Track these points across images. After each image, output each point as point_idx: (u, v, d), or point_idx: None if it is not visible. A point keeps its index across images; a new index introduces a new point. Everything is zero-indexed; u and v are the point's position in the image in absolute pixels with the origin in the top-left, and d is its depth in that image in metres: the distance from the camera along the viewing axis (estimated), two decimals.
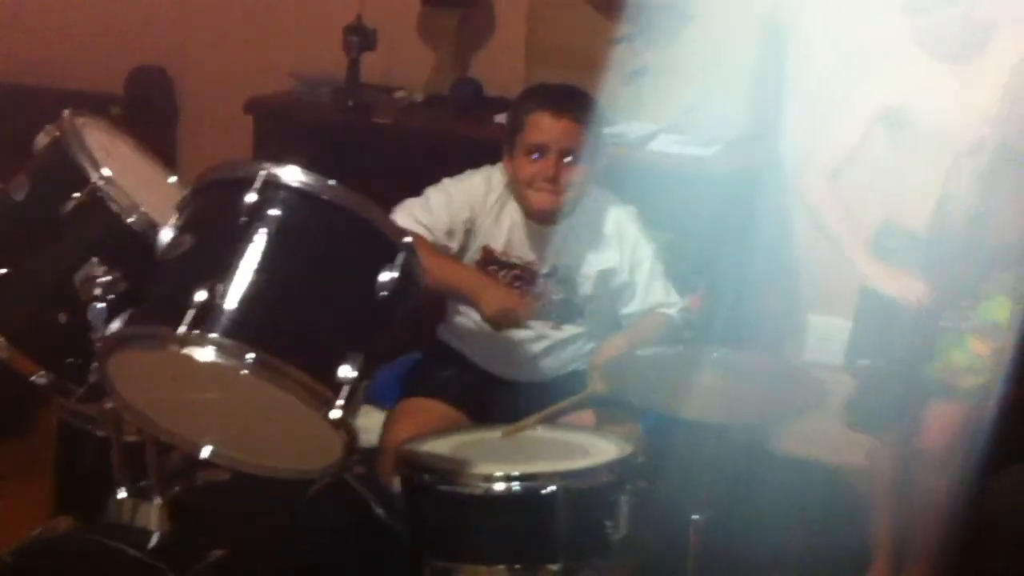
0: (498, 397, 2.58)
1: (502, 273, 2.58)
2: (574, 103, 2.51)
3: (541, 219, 2.55)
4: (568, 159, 2.47)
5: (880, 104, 2.60)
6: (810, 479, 3.33)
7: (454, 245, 2.56)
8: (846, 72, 2.74)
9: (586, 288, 2.61)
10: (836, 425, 2.97)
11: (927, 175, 2.52)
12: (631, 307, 2.63)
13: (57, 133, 2.04)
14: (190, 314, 1.66)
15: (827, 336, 3.22)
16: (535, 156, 2.48)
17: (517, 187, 2.54)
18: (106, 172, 1.96)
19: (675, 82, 3.17)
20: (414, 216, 2.49)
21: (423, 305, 2.41)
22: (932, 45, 2.50)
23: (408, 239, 1.85)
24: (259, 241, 1.74)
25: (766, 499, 3.14)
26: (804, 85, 3.24)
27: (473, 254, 2.59)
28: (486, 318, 2.44)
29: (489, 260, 2.58)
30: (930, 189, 2.49)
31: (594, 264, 2.60)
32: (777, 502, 3.11)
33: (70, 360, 2.00)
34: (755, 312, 3.36)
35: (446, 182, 2.61)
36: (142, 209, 1.96)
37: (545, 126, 2.47)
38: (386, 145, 3.36)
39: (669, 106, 3.19)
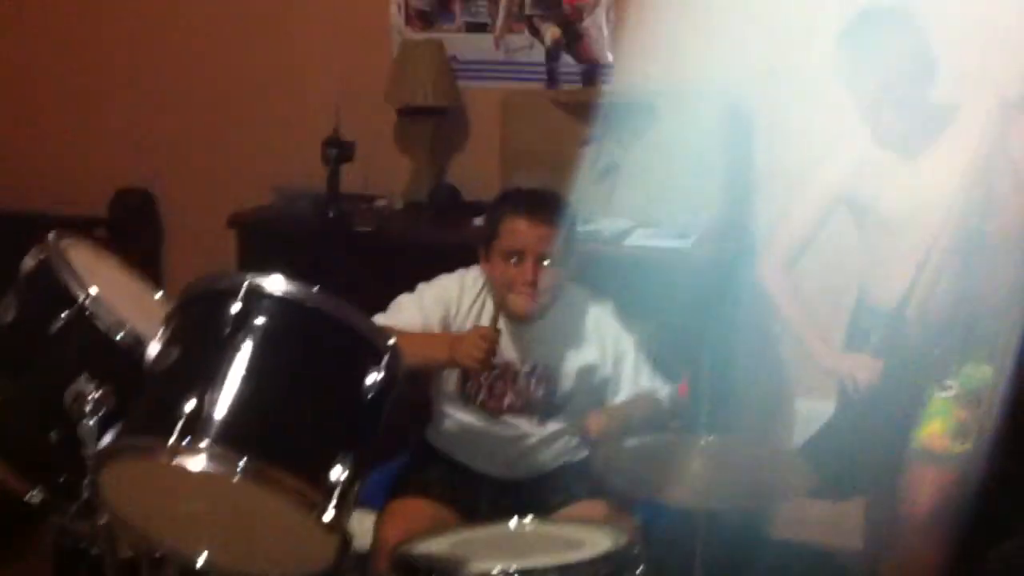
0: (487, 495, 2.59)
1: (483, 374, 2.61)
2: (548, 207, 2.55)
3: (520, 320, 2.59)
4: (545, 262, 2.51)
5: (833, 189, 2.67)
6: (805, 562, 3.32)
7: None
8: (806, 158, 2.81)
9: (567, 385, 2.63)
10: (828, 507, 2.99)
11: (894, 256, 2.58)
12: (619, 397, 2.65)
13: (43, 255, 2.08)
14: (180, 424, 1.69)
15: (814, 419, 3.24)
16: (512, 260, 2.52)
17: (495, 290, 2.59)
18: (93, 291, 2.00)
19: (646, 177, 3.25)
20: (386, 320, 2.53)
21: (409, 409, 2.44)
22: (884, 137, 2.56)
23: (392, 341, 1.88)
24: (245, 350, 1.77)
25: None
26: (770, 171, 3.32)
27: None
28: (463, 366, 2.48)
29: None
30: (900, 269, 2.55)
31: (574, 361, 2.63)
32: None
33: (63, 478, 2.01)
34: (742, 398, 3.39)
35: (420, 287, 2.65)
36: (129, 325, 1.99)
37: (521, 232, 2.52)
38: (368, 252, 3.41)
39: (642, 201, 3.26)
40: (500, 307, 2.55)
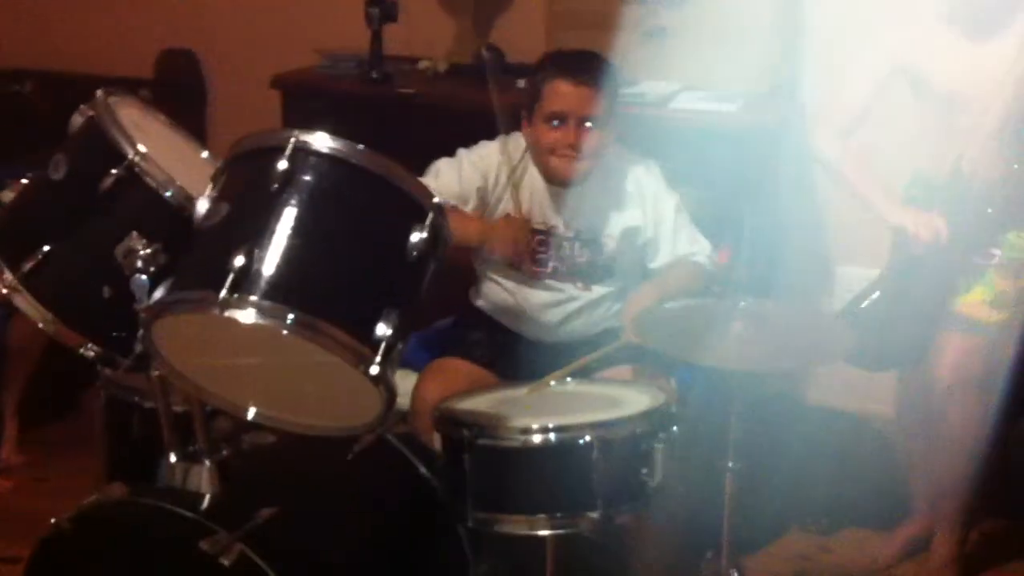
0: (529, 358, 2.62)
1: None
2: (591, 69, 2.53)
3: (562, 184, 2.59)
4: (587, 125, 2.50)
5: (894, 59, 2.62)
6: (842, 428, 3.37)
7: (466, 210, 2.61)
8: (860, 28, 2.76)
9: (611, 248, 2.64)
10: (863, 375, 3.01)
11: (946, 131, 2.56)
12: (658, 260, 2.65)
13: (91, 113, 2.09)
14: (230, 278, 1.72)
15: (854, 287, 3.25)
16: (554, 123, 2.51)
17: (537, 153, 2.58)
18: (141, 148, 2.01)
19: (694, 40, 3.20)
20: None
21: (453, 272, 2.48)
22: (954, 12, 2.51)
23: (436, 200, 1.90)
24: (293, 206, 1.79)
25: (799, 449, 3.18)
26: (820, 40, 3.25)
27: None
28: (496, 253, 2.52)
29: None
30: (955, 143, 2.52)
31: (617, 223, 2.63)
32: (810, 451, 3.16)
33: (116, 333, 2.06)
34: (783, 265, 3.39)
35: (460, 152, 2.66)
36: (177, 183, 2.01)
37: (564, 94, 2.50)
38: (410, 115, 3.41)
39: (689, 64, 3.22)
40: (541, 171, 2.56)
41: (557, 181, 2.58)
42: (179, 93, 3.90)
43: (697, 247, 2.66)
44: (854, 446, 3.27)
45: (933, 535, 2.81)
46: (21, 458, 3.36)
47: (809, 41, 3.29)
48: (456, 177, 2.59)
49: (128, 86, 3.39)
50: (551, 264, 2.63)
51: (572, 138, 2.50)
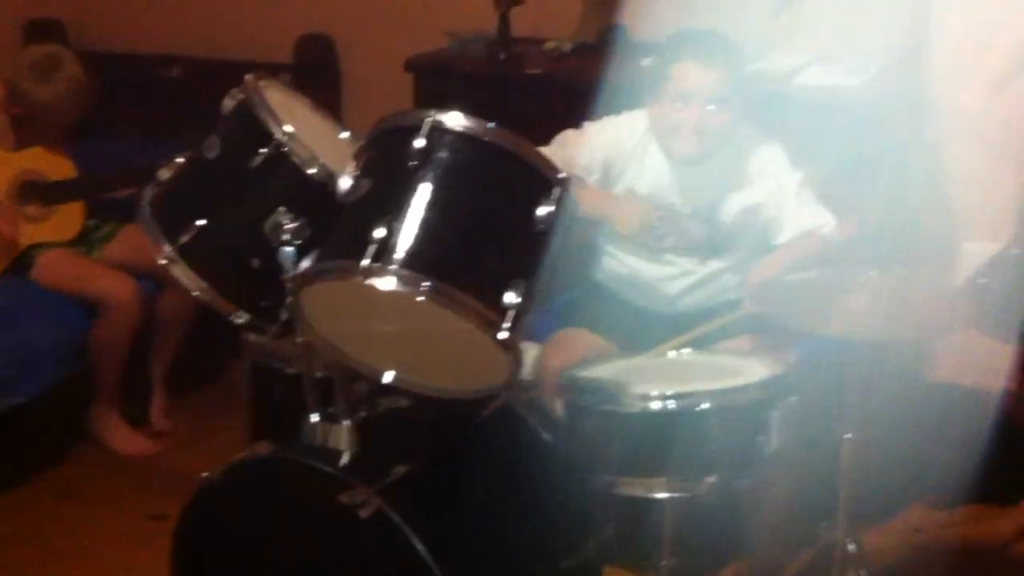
0: (648, 329, 2.67)
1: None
2: (717, 51, 2.56)
3: (685, 163, 2.63)
4: (711, 107, 2.53)
5: None
6: (965, 404, 3.34)
7: (590, 182, 2.67)
8: None
9: (729, 225, 2.67)
10: (987, 350, 2.99)
11: None
12: (782, 236, 2.67)
13: (242, 96, 2.21)
14: (371, 249, 1.84)
15: (979, 263, 3.22)
16: (679, 104, 2.55)
17: (661, 132, 2.62)
18: (288, 128, 2.12)
19: (820, 11, 3.20)
20: (549, 153, 2.61)
21: (576, 247, 2.56)
22: None
23: (563, 175, 1.99)
24: (428, 182, 1.90)
25: (920, 423, 3.18)
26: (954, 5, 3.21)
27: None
28: (619, 229, 2.58)
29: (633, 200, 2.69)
30: None
31: (737, 201, 2.66)
32: (932, 426, 3.15)
33: (263, 302, 2.19)
34: (908, 239, 3.38)
35: (586, 125, 2.71)
36: (321, 161, 2.12)
37: (689, 76, 2.53)
38: (537, 94, 3.50)
39: (814, 37, 3.22)
40: (664, 149, 2.62)
41: (679, 160, 2.63)
42: (316, 77, 4.05)
43: (821, 220, 2.68)
44: (977, 422, 3.24)
45: None
46: (169, 424, 3.57)
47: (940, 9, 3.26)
48: (582, 149, 2.65)
49: (269, 70, 3.59)
50: (669, 240, 2.69)
51: (695, 119, 2.54)
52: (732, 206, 2.67)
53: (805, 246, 2.63)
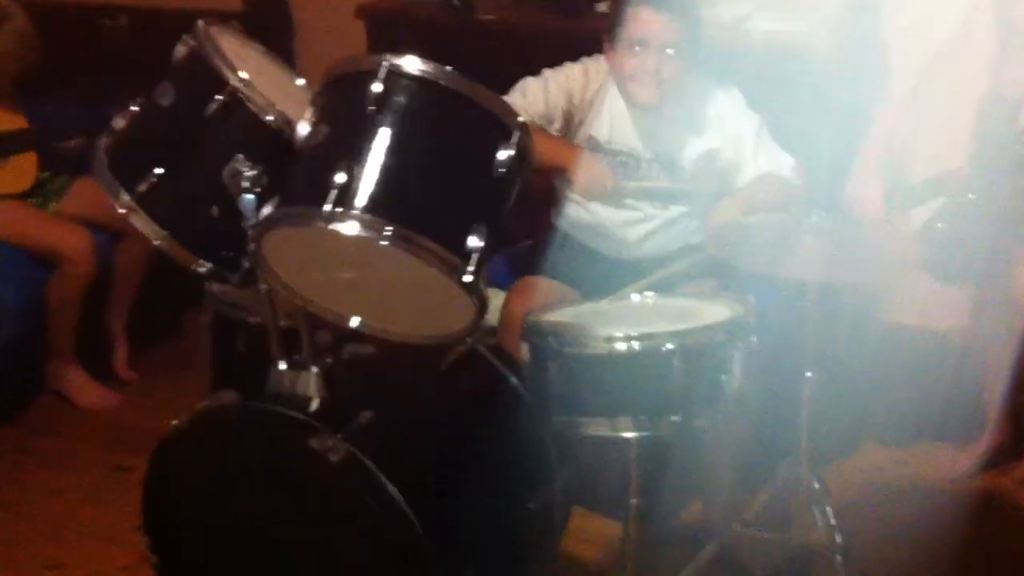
0: (609, 275, 2.68)
1: (606, 160, 2.70)
2: None
3: (643, 109, 2.64)
4: (668, 52, 2.54)
5: None
6: (919, 344, 3.40)
7: (551, 130, 2.68)
8: None
9: (688, 170, 2.69)
10: (937, 291, 3.04)
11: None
12: (741, 179, 2.70)
13: (193, 42, 2.18)
14: (333, 194, 1.83)
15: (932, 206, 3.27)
16: (636, 49, 2.56)
17: (619, 78, 2.63)
18: (243, 75, 2.10)
19: None
20: (510, 100, 2.60)
21: (536, 193, 2.56)
22: None
23: (521, 119, 1.99)
24: (387, 126, 1.89)
25: (876, 364, 3.24)
26: None
27: (579, 144, 2.71)
28: (577, 190, 2.59)
29: (594, 149, 2.70)
30: None
31: (696, 146, 2.68)
32: (887, 367, 3.21)
33: (224, 251, 2.18)
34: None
35: (545, 72, 2.72)
36: (277, 107, 2.10)
37: (646, 20, 2.54)
38: (491, 41, 3.48)
39: None
40: (623, 95, 2.62)
41: (638, 106, 2.64)
42: (267, 25, 4.00)
43: (779, 162, 2.70)
44: (931, 362, 3.30)
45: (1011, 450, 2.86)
46: (133, 374, 3.56)
47: None
48: (542, 97, 2.66)
49: (219, 18, 3.53)
50: (630, 185, 2.70)
51: (653, 65, 2.55)
52: (692, 151, 2.69)
53: (764, 188, 2.66)
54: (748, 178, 2.70)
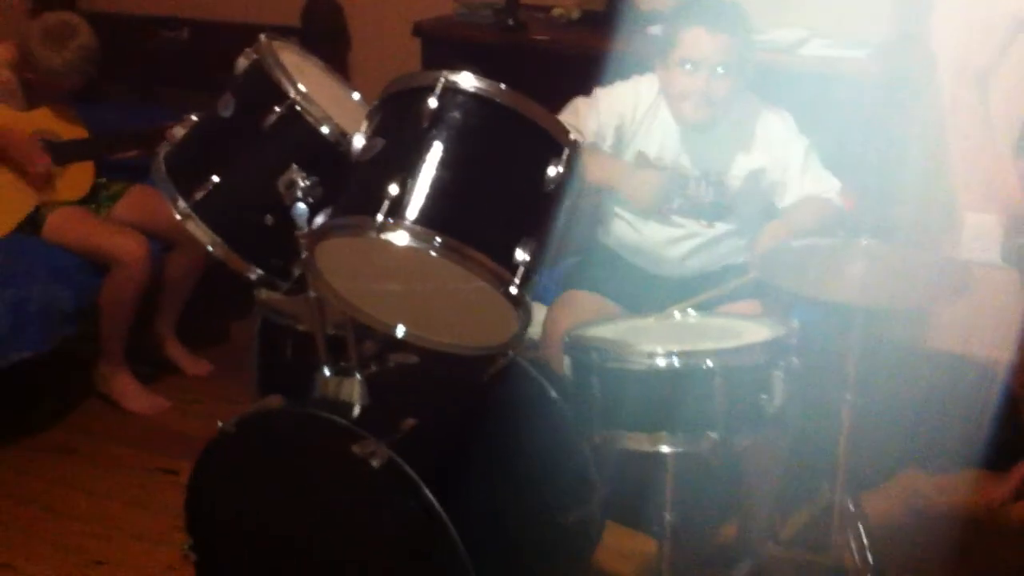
0: (653, 292, 2.72)
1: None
2: (726, 17, 2.59)
3: (693, 127, 2.67)
4: (720, 72, 2.57)
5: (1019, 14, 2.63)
6: (963, 373, 3.39)
7: (604, 147, 2.70)
8: None
9: (735, 188, 2.71)
10: (990, 319, 3.03)
11: None
12: (787, 200, 2.71)
13: (256, 56, 2.24)
14: (385, 204, 1.88)
15: (983, 234, 3.27)
16: (687, 68, 2.58)
17: (670, 97, 2.66)
18: (301, 88, 2.16)
19: None
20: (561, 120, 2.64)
21: (583, 210, 2.58)
22: None
23: (573, 136, 2.02)
24: (441, 141, 1.94)
25: (919, 390, 3.23)
26: None
27: (628, 160, 2.74)
28: (629, 199, 2.62)
29: (643, 164, 2.72)
30: None
31: (744, 165, 2.70)
32: (930, 394, 3.20)
33: (276, 259, 2.23)
34: (909, 209, 3.42)
35: (597, 91, 2.74)
36: (334, 120, 2.15)
37: (698, 41, 2.56)
38: (544, 61, 3.52)
39: (819, 10, 3.26)
40: (673, 113, 2.65)
41: (688, 124, 2.67)
42: (324, 41, 4.07)
43: (826, 185, 2.71)
44: (974, 390, 3.29)
45: None
46: (204, 364, 3.63)
47: None
48: (594, 116, 2.68)
49: (278, 33, 3.61)
50: (677, 202, 2.72)
51: (703, 84, 2.57)
52: (739, 170, 2.70)
53: (811, 210, 2.67)
54: (793, 196, 2.71)
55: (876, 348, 2.53)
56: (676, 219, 2.74)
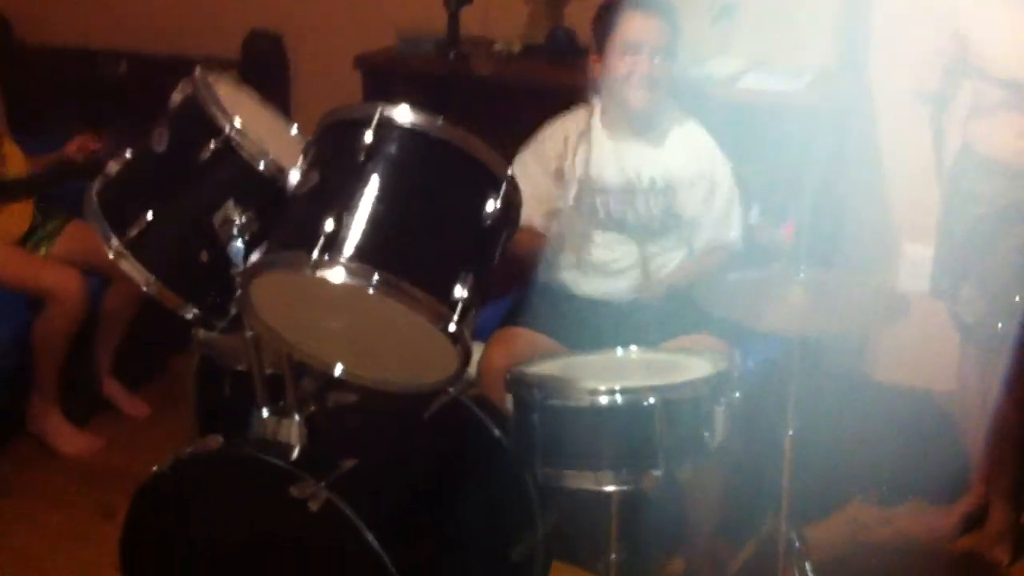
0: (590, 323, 2.71)
1: (600, 200, 2.72)
2: (657, 4, 2.68)
3: (636, 119, 2.70)
4: (658, 57, 2.63)
5: (948, 22, 2.68)
6: (905, 403, 3.42)
7: (567, 196, 2.70)
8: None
9: (681, 196, 2.74)
10: (930, 349, 3.06)
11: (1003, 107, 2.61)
12: (703, 233, 2.78)
13: (190, 89, 2.20)
14: (321, 241, 1.84)
15: (920, 264, 3.30)
16: (627, 54, 2.64)
17: (610, 86, 2.69)
18: (237, 122, 2.11)
19: (761, 18, 3.27)
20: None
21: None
22: None
23: (510, 171, 2.01)
24: (377, 175, 1.91)
25: (862, 421, 3.25)
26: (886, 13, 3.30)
27: (575, 186, 2.73)
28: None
29: (589, 187, 2.73)
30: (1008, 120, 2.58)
31: (684, 172, 2.74)
32: (873, 425, 3.22)
33: (212, 297, 2.18)
34: (847, 241, 3.45)
35: (525, 156, 2.77)
36: (270, 156, 2.12)
37: (638, 25, 2.64)
38: (486, 94, 3.52)
39: (756, 42, 3.29)
40: (618, 102, 2.68)
41: (634, 112, 2.68)
42: (264, 74, 4.04)
43: (732, 234, 2.80)
44: (916, 421, 3.32)
45: (988, 508, 2.86)
46: (143, 405, 3.56)
47: (875, 17, 3.34)
48: (529, 184, 2.62)
49: (216, 66, 3.57)
50: (629, 217, 2.74)
51: (646, 67, 2.63)
52: (682, 176, 2.74)
53: (711, 263, 2.76)
54: (709, 232, 2.78)
55: (818, 379, 2.54)
56: (611, 238, 2.74)
